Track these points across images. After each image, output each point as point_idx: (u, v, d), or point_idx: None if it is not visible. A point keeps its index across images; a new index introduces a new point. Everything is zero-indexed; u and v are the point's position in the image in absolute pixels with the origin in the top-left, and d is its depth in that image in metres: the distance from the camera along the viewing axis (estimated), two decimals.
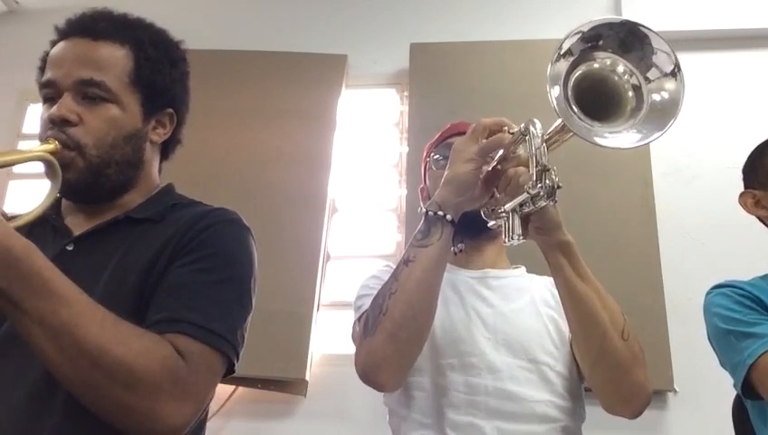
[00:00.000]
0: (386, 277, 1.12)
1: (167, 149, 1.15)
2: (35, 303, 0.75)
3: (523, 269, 1.32)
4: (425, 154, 1.39)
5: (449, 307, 1.20)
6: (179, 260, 0.94)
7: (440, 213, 1.07)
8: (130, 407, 0.78)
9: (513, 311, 1.20)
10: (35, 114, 2.91)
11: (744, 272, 1.38)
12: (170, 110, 1.10)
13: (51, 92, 1.00)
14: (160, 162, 1.14)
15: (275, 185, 2.53)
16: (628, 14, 2.66)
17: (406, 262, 1.07)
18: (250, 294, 0.99)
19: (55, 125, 0.97)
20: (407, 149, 2.59)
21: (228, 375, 0.94)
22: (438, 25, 2.82)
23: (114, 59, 1.01)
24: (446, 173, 1.09)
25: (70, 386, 0.79)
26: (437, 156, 1.32)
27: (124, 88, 1.01)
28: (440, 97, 2.58)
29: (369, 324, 1.06)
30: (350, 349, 1.15)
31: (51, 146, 0.95)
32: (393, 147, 2.75)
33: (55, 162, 0.93)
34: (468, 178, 1.06)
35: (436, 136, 1.37)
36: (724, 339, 1.27)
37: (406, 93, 2.76)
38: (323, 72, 2.73)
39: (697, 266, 2.23)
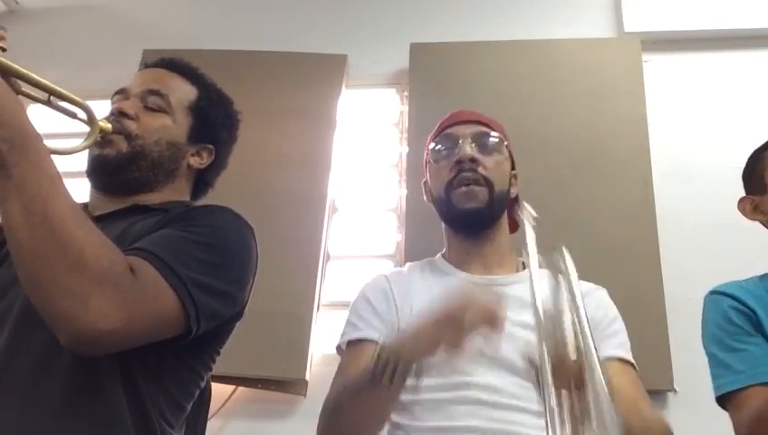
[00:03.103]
0: (376, 301, 1.18)
1: (198, 188, 1.23)
2: (24, 170, 0.80)
3: (527, 271, 1.24)
4: (426, 144, 1.38)
5: None
6: (169, 225, 0.99)
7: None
8: (66, 288, 0.78)
9: (513, 323, 1.09)
10: (35, 114, 2.91)
11: (744, 272, 1.39)
12: (211, 146, 1.20)
13: (119, 99, 1.14)
14: (191, 195, 1.22)
15: (275, 185, 2.53)
16: (628, 15, 2.67)
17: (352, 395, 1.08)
18: (233, 271, 1.00)
19: (114, 116, 1.10)
20: (407, 149, 2.59)
21: (183, 340, 0.92)
22: (438, 25, 2.82)
23: (181, 87, 1.18)
24: (408, 342, 0.98)
25: (19, 251, 0.79)
26: (438, 147, 1.31)
27: (181, 109, 1.16)
28: (440, 97, 2.57)
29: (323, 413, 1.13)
30: None
31: (104, 123, 1.07)
32: (393, 147, 2.75)
33: (94, 115, 1.04)
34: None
35: (436, 126, 1.37)
36: (708, 357, 1.30)
37: (406, 93, 2.76)
38: (323, 72, 2.73)
39: (697, 266, 2.22)
